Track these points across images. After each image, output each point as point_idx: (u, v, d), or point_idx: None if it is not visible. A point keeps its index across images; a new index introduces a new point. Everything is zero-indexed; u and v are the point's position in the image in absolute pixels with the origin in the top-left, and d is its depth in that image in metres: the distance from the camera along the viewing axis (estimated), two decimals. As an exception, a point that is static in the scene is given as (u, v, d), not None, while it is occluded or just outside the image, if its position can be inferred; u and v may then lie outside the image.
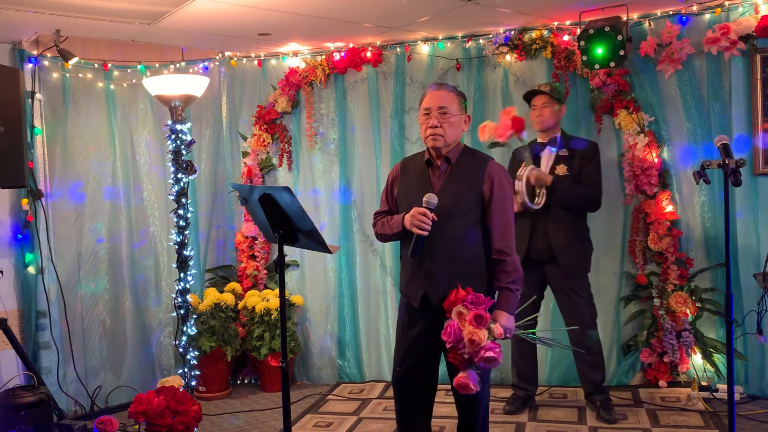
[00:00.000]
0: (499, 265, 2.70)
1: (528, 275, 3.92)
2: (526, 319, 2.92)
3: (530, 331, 2.97)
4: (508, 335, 2.61)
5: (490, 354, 2.43)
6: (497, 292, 2.72)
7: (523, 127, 3.88)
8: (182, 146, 4.22)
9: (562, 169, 3.88)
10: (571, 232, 3.94)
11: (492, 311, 2.61)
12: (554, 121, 3.98)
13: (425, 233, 2.61)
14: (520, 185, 3.75)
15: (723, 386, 4.10)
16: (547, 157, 3.95)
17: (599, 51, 4.04)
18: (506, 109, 3.98)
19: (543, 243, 3.90)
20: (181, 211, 4.24)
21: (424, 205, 2.62)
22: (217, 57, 5.09)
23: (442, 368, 2.96)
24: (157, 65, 4.91)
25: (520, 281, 2.71)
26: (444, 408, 4.01)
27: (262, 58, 5.09)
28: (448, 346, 2.51)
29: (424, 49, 4.78)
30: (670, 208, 4.29)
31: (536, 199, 3.84)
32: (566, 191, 3.85)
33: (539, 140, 4.05)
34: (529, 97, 4.04)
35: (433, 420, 3.03)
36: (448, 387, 3.16)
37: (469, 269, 2.69)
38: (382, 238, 2.92)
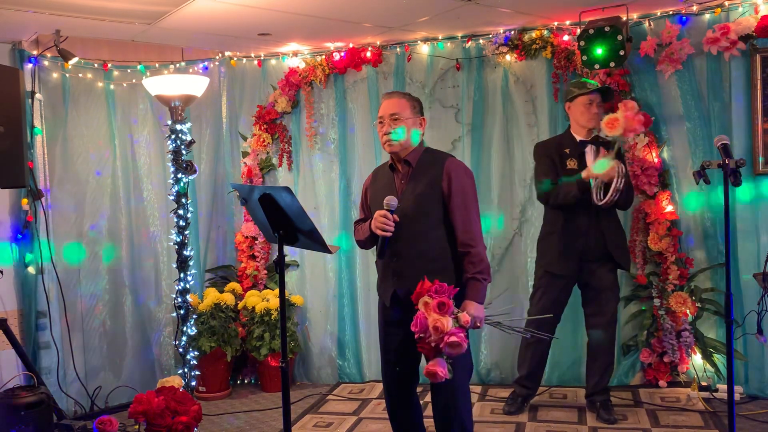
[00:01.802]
0: (465, 258, 2.78)
1: (572, 273, 3.89)
2: (502, 309, 2.94)
3: (500, 321, 2.96)
4: (478, 324, 2.69)
5: (453, 339, 2.46)
6: (465, 283, 2.78)
7: (650, 123, 3.77)
8: (182, 146, 4.22)
9: None
10: (619, 228, 3.99)
11: (462, 301, 2.69)
12: (600, 120, 3.88)
13: (389, 234, 2.74)
14: (618, 181, 3.68)
15: (723, 386, 4.10)
16: (592, 155, 3.88)
17: (599, 51, 4.04)
18: (627, 104, 3.72)
19: (598, 242, 3.86)
20: (181, 211, 4.24)
21: (384, 207, 2.74)
22: (217, 57, 5.09)
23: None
24: (157, 65, 4.91)
25: (486, 271, 2.78)
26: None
27: (262, 58, 5.09)
28: (416, 336, 2.56)
29: (424, 49, 4.78)
30: (670, 208, 4.29)
31: (609, 196, 3.74)
32: (630, 189, 3.86)
33: (578, 137, 3.93)
34: (582, 92, 3.87)
35: (430, 420, 3.03)
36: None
37: (435, 265, 2.78)
38: (359, 244, 3.05)
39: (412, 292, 2.64)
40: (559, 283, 3.94)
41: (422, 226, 2.80)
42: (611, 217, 3.92)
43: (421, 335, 2.53)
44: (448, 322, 2.48)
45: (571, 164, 3.89)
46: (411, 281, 2.70)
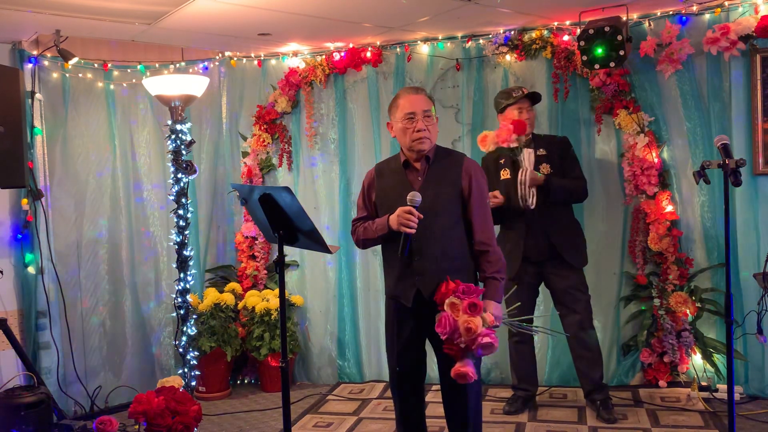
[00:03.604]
0: (483, 256, 2.78)
1: (524, 275, 3.93)
2: (509, 309, 2.96)
3: (517, 318, 2.99)
4: (497, 323, 2.68)
5: (487, 340, 2.47)
6: (483, 282, 2.79)
7: (525, 129, 3.86)
8: (182, 146, 4.22)
9: (546, 168, 3.91)
10: (568, 227, 3.99)
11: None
12: (533, 123, 4.03)
13: (413, 231, 2.67)
14: (523, 188, 3.79)
15: (723, 386, 4.10)
16: (528, 158, 3.92)
17: (599, 51, 4.04)
18: (505, 117, 3.95)
19: (542, 242, 3.89)
20: (181, 211, 4.24)
21: (408, 203, 2.67)
22: (217, 57, 5.09)
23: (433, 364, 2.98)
24: (157, 65, 4.91)
25: (504, 270, 2.79)
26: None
27: (262, 58, 5.09)
28: (443, 337, 2.53)
29: (424, 49, 4.78)
30: (670, 208, 4.29)
31: (530, 200, 3.84)
32: (561, 187, 3.87)
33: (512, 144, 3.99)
34: (509, 102, 3.97)
35: (432, 420, 3.04)
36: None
37: (455, 263, 2.76)
38: (364, 243, 2.95)
39: (435, 291, 2.64)
40: (518, 287, 3.92)
41: (444, 224, 2.77)
42: (559, 216, 3.92)
43: (449, 336, 2.52)
44: (480, 323, 2.48)
45: (504, 174, 3.97)
46: (434, 280, 2.69)
